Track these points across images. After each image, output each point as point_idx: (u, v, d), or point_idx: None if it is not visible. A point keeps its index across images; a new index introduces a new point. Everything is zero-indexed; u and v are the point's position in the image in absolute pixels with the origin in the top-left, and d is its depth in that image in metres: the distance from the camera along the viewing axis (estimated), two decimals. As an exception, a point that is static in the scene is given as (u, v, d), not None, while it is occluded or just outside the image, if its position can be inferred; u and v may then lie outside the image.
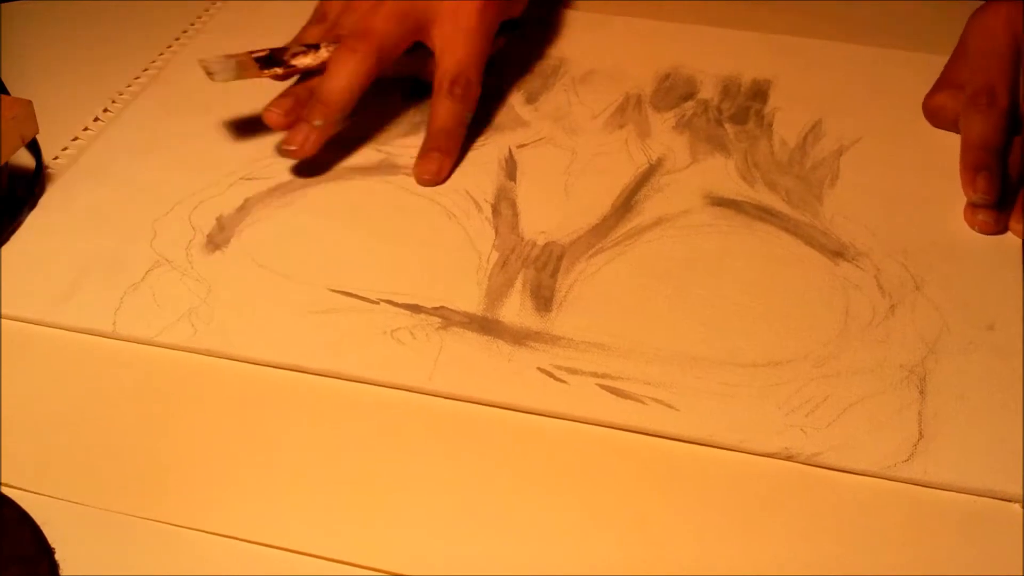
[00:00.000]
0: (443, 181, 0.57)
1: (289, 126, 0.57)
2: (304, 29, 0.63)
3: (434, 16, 0.60)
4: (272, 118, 0.57)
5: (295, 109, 0.57)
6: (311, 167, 0.58)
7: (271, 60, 0.59)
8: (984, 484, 0.42)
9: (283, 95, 0.58)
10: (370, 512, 0.41)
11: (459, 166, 0.58)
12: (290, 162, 0.58)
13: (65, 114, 0.62)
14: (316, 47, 0.59)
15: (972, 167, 0.56)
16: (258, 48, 0.59)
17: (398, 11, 0.59)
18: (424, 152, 0.58)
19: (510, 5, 0.64)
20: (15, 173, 0.56)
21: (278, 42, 0.61)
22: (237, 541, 0.40)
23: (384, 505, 0.42)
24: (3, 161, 0.53)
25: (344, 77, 0.57)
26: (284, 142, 0.57)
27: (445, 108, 0.58)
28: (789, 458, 0.43)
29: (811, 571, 0.40)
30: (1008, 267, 0.52)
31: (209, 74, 0.58)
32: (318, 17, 0.63)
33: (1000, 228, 0.55)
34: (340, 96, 0.57)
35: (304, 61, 0.59)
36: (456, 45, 0.59)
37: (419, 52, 0.61)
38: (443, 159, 0.57)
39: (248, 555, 0.40)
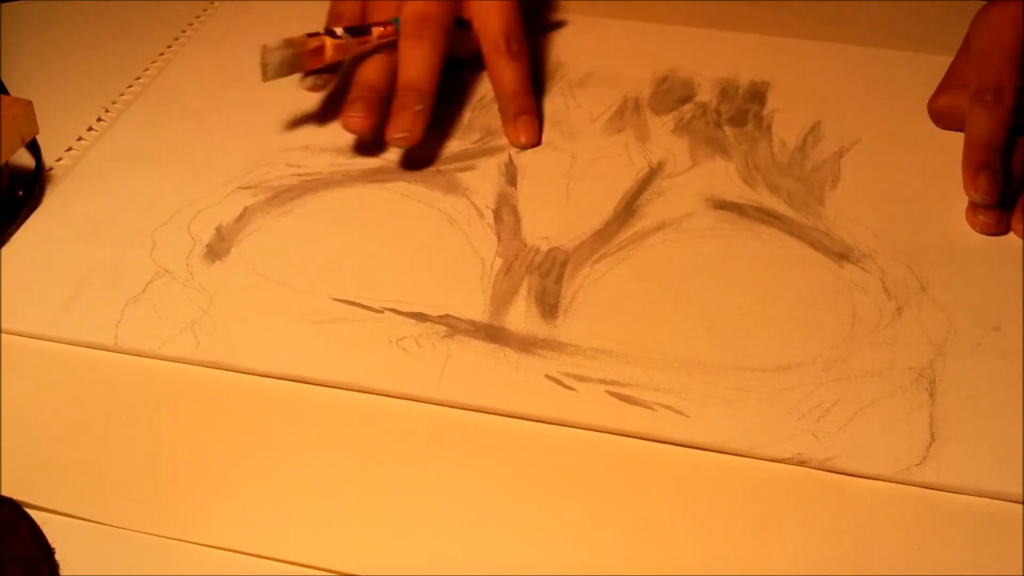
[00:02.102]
0: (539, 141, 0.60)
1: (375, 126, 0.57)
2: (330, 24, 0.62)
3: None
4: (355, 123, 0.57)
5: (370, 110, 0.57)
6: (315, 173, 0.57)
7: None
8: (997, 487, 0.42)
9: (350, 102, 0.58)
10: (380, 523, 0.41)
11: (459, 171, 0.58)
12: (288, 171, 0.58)
13: (65, 115, 0.62)
14: (367, 29, 0.60)
15: (974, 166, 0.55)
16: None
17: None
18: (512, 117, 0.60)
19: None
20: (15, 173, 0.55)
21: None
22: (244, 555, 0.40)
23: (393, 516, 0.41)
24: (3, 161, 0.53)
25: (423, 63, 0.58)
26: (391, 131, 0.57)
27: (512, 69, 0.60)
28: (801, 463, 0.43)
29: (827, 577, 0.40)
30: (1013, 267, 0.52)
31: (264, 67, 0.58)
32: (336, 15, 0.63)
33: (1002, 229, 0.55)
34: (427, 81, 0.58)
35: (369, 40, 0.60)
36: (493, 11, 0.61)
37: (456, 30, 0.62)
38: (532, 120, 0.60)
39: (256, 569, 0.40)
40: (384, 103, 0.58)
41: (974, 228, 0.55)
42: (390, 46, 0.60)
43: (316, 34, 0.59)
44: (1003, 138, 0.56)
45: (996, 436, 0.44)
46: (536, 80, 0.63)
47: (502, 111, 0.60)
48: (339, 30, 0.60)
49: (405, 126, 0.57)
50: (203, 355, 0.47)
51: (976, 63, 0.59)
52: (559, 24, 0.71)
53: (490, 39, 0.61)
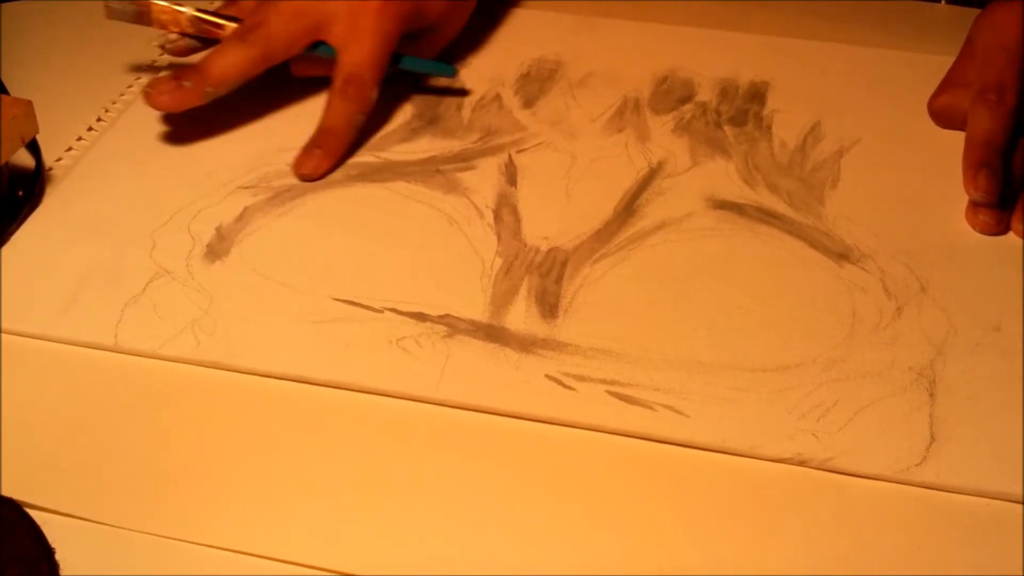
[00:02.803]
0: (319, 178, 0.58)
1: (172, 106, 0.59)
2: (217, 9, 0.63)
3: (333, 16, 0.60)
4: (157, 100, 0.58)
5: (178, 89, 0.58)
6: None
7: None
8: (997, 487, 0.42)
9: (166, 76, 0.59)
10: (380, 523, 0.41)
11: (458, 171, 0.58)
12: (288, 171, 0.58)
13: (65, 115, 0.62)
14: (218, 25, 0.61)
15: (975, 164, 0.55)
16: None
17: (294, 9, 0.59)
18: (307, 147, 0.58)
19: (417, 10, 0.62)
20: (15, 173, 0.55)
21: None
22: (244, 555, 0.40)
23: (393, 516, 0.41)
24: (3, 161, 0.53)
25: (228, 60, 0.58)
26: (149, 94, 0.58)
27: (335, 107, 0.59)
28: (802, 463, 0.43)
29: (827, 577, 0.40)
30: (1012, 267, 0.52)
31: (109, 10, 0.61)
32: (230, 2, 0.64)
33: (1001, 228, 0.55)
34: (220, 73, 0.58)
35: (201, 26, 0.61)
36: (353, 45, 0.59)
37: (326, 52, 0.61)
38: (323, 157, 0.58)
39: (256, 569, 0.40)
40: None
41: (974, 227, 0.55)
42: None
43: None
44: (1004, 138, 0.56)
45: (996, 436, 0.44)
46: (481, 122, 0.62)
47: (310, 138, 0.59)
48: (188, 8, 0.61)
49: (165, 88, 0.58)
50: (203, 355, 0.47)
51: (979, 62, 0.59)
52: (558, 24, 0.71)
53: (335, 73, 0.60)
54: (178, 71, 0.59)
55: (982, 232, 0.55)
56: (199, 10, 0.61)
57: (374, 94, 0.60)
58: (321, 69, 0.61)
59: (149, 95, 0.58)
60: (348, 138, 0.59)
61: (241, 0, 0.63)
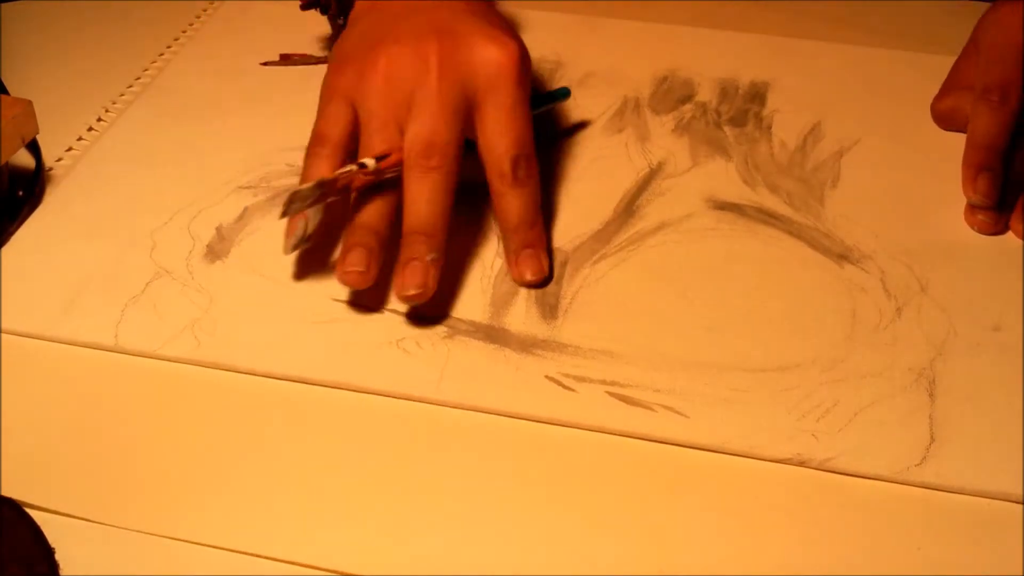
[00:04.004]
0: (549, 279, 0.51)
1: (375, 278, 0.49)
2: (314, 162, 0.52)
3: (474, 103, 0.51)
4: (352, 278, 0.48)
5: (371, 260, 0.49)
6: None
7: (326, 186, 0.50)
8: (997, 487, 0.42)
9: (346, 251, 0.49)
10: (380, 523, 0.41)
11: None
12: (288, 171, 0.58)
13: (65, 115, 0.62)
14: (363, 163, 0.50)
15: (975, 166, 0.55)
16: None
17: (450, 108, 0.50)
18: (516, 252, 0.51)
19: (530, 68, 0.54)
20: (15, 173, 0.55)
21: (275, 42, 0.61)
22: (244, 555, 0.40)
23: (393, 516, 0.41)
24: (3, 161, 0.53)
25: (433, 202, 0.49)
26: (401, 288, 0.48)
27: (516, 197, 0.51)
28: (801, 464, 0.43)
29: (827, 578, 0.40)
30: (1012, 267, 0.52)
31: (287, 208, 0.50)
32: (321, 138, 0.53)
33: (999, 228, 0.55)
34: (438, 222, 0.49)
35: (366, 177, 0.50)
36: (506, 127, 0.51)
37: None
38: (539, 254, 0.51)
39: (256, 569, 0.40)
40: (385, 247, 0.50)
41: (972, 227, 0.55)
42: (393, 180, 0.51)
43: (348, 171, 0.50)
44: (1005, 140, 0.56)
45: (996, 436, 0.44)
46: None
47: (505, 245, 0.52)
48: (370, 161, 0.50)
49: (418, 281, 0.48)
50: (203, 355, 0.47)
51: (983, 61, 0.59)
52: (559, 24, 0.71)
53: (494, 164, 0.51)
54: (364, 240, 0.49)
55: (980, 231, 0.55)
56: (376, 158, 0.50)
57: (538, 170, 0.52)
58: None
59: (411, 297, 0.48)
60: (542, 221, 0.52)
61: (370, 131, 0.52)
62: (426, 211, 0.49)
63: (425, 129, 0.50)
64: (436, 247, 0.49)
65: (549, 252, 0.52)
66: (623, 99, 0.64)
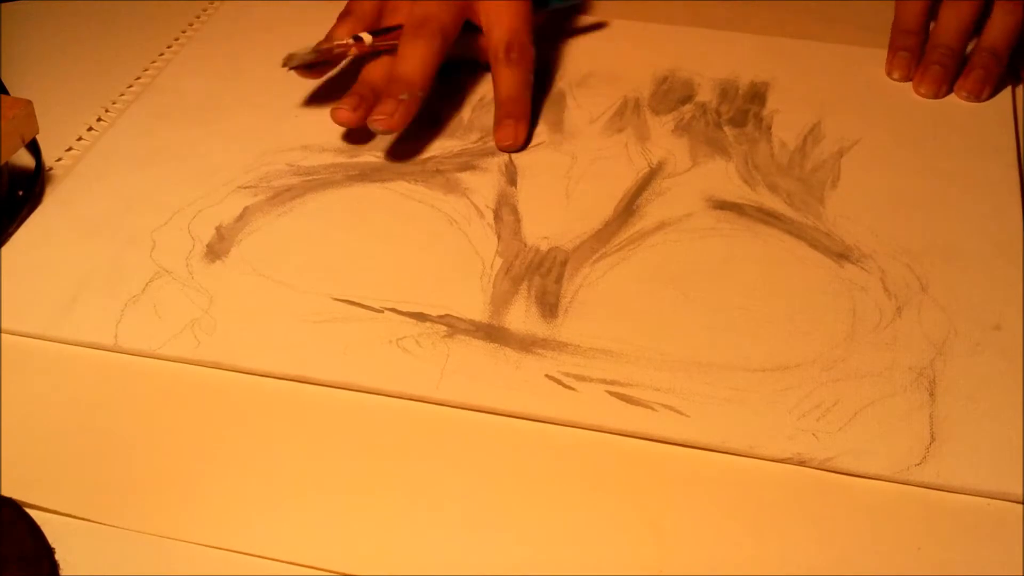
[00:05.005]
0: (523, 146, 0.60)
1: (361, 120, 0.58)
2: (338, 26, 0.63)
3: None
4: (341, 115, 0.58)
5: (360, 104, 0.58)
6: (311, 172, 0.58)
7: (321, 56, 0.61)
8: (997, 487, 0.42)
9: (347, 96, 0.59)
10: (380, 523, 0.41)
11: (459, 171, 0.58)
12: (288, 171, 0.58)
13: (65, 115, 0.62)
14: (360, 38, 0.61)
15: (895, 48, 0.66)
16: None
17: None
18: (498, 121, 0.60)
19: None
20: (15, 173, 0.55)
21: (275, 42, 0.61)
22: (244, 555, 0.40)
23: (393, 516, 0.41)
24: (3, 161, 0.53)
25: (417, 59, 0.59)
26: (373, 114, 0.57)
27: (507, 75, 0.61)
28: (801, 463, 0.43)
29: (827, 577, 0.40)
30: (1013, 267, 0.52)
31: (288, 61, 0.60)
32: (350, 12, 0.64)
33: (932, 91, 0.64)
34: (417, 74, 0.58)
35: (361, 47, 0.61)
36: (503, 15, 0.62)
37: (466, 33, 0.63)
38: (517, 124, 0.60)
39: (256, 569, 0.40)
40: (377, 102, 0.58)
41: (890, 75, 0.65)
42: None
43: (344, 43, 0.61)
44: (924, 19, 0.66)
45: (996, 436, 0.44)
46: (482, 122, 0.62)
47: (495, 115, 0.61)
48: (367, 37, 0.61)
49: (386, 110, 0.57)
50: (203, 355, 0.47)
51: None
52: (559, 24, 0.71)
53: (494, 45, 0.61)
54: (361, 90, 0.59)
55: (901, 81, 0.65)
56: (373, 32, 0.61)
57: (534, 54, 0.62)
58: (467, 50, 0.64)
59: (376, 121, 0.57)
60: (529, 99, 0.61)
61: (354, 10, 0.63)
62: (410, 64, 0.58)
63: (424, 7, 0.60)
64: (410, 91, 0.58)
65: (529, 128, 0.61)
66: (623, 99, 0.64)
